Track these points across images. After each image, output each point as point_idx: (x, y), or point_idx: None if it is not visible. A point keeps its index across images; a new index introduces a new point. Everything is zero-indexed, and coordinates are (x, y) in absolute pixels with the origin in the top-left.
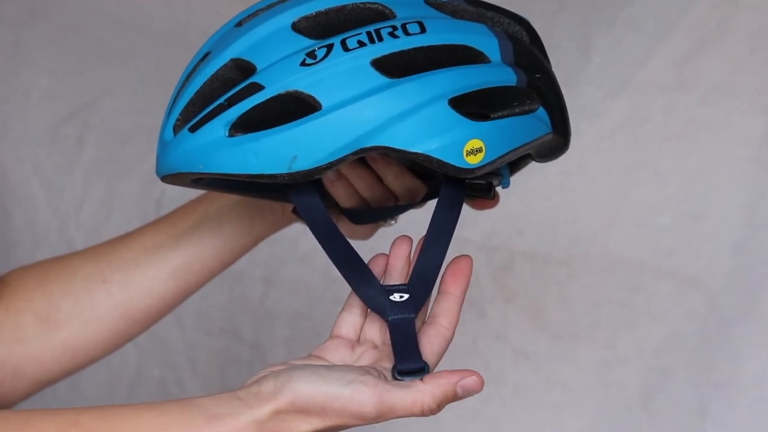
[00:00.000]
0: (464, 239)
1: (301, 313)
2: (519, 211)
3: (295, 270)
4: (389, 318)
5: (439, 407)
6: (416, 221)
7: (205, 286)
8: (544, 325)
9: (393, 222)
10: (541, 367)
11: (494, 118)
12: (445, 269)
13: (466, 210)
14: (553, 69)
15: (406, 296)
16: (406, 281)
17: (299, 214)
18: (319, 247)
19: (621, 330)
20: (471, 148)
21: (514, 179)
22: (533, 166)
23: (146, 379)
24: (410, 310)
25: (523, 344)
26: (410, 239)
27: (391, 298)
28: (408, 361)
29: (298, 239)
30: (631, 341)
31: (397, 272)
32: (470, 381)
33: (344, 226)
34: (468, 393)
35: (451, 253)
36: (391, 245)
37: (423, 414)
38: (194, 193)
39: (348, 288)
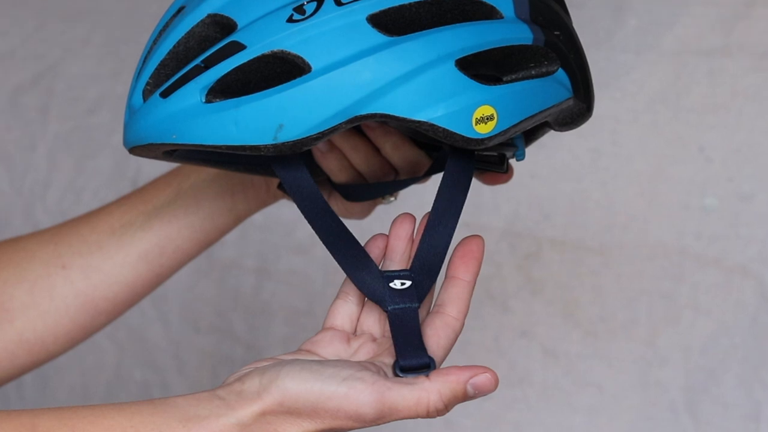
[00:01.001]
0: (484, 226)
1: (300, 309)
2: (545, 194)
3: (292, 260)
4: (389, 308)
5: (446, 407)
6: (419, 198)
7: (192, 276)
8: (575, 321)
9: (392, 199)
10: (573, 367)
11: (507, 82)
12: (453, 252)
13: (486, 194)
14: (580, 31)
15: (408, 283)
16: (408, 266)
17: (285, 189)
18: None
19: (662, 325)
20: (481, 115)
21: (540, 157)
22: (561, 143)
23: (126, 382)
24: (413, 299)
25: (552, 342)
26: (413, 218)
27: (392, 285)
28: (411, 355)
29: (295, 225)
30: (673, 338)
31: (397, 255)
32: (482, 378)
33: (337, 204)
34: (480, 392)
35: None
36: (391, 225)
37: (429, 415)
38: (170, 168)
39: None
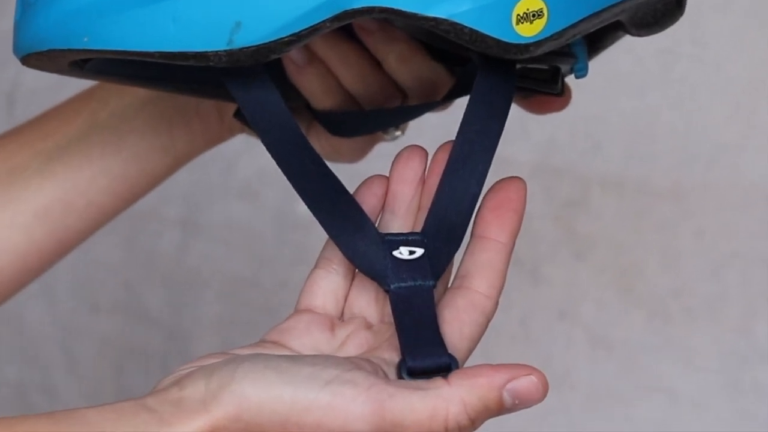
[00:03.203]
0: (506, 159)
1: (242, 278)
2: (596, 114)
3: (232, 208)
4: (392, 286)
5: (473, 423)
6: (437, 132)
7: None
8: (636, 296)
9: (398, 134)
10: (632, 363)
11: None
12: (483, 201)
13: (513, 116)
14: None
15: (419, 251)
16: (420, 226)
17: (245, 119)
18: (273, 171)
19: (761, 303)
20: (525, 10)
21: (593, 64)
22: (619, 41)
23: None
24: (426, 274)
25: (602, 326)
26: (424, 153)
27: (396, 254)
28: (423, 353)
29: (237, 158)
30: None
31: (402, 208)
32: (525, 383)
33: (320, 141)
34: (522, 401)
35: (489, 180)
36: (393, 163)
37: (447, 431)
38: (80, 88)
39: (322, 236)
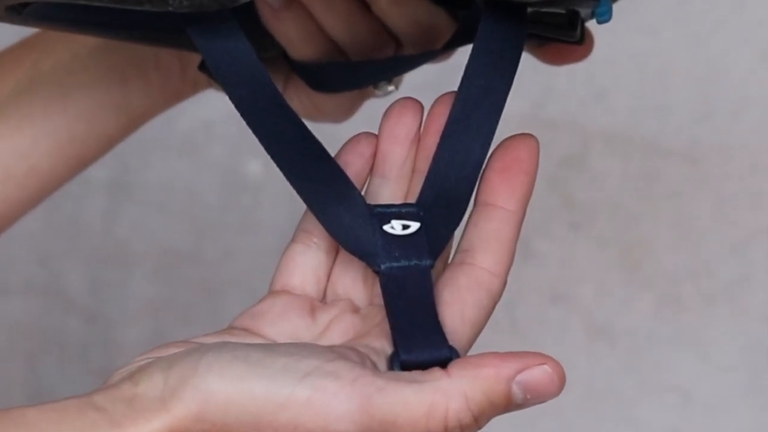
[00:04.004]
0: None
1: (179, 252)
2: (598, 55)
3: (170, 168)
4: (382, 267)
5: (477, 420)
6: (437, 87)
7: None
8: (644, 276)
9: (391, 88)
10: (639, 358)
11: None
12: (489, 161)
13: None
14: None
15: (414, 226)
16: (415, 195)
17: (211, 72)
18: (220, 123)
19: None
20: None
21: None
22: None
23: None
24: (422, 253)
25: (605, 312)
26: (419, 107)
27: (386, 228)
28: (419, 344)
29: (177, 110)
30: None
31: (393, 172)
32: (538, 374)
33: (299, 97)
34: (534, 396)
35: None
36: (382, 118)
37: (447, 430)
38: (20, 36)
39: (276, 200)
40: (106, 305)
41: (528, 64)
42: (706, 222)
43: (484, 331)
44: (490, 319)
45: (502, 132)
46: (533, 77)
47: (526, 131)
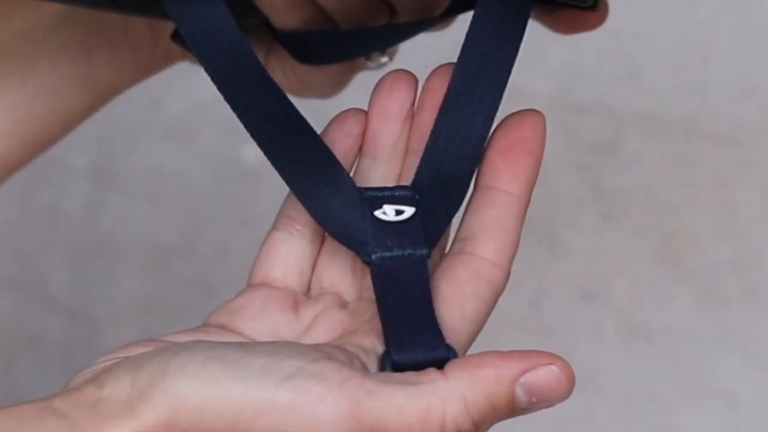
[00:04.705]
0: (518, 90)
1: (170, 245)
2: (632, 30)
3: (159, 154)
4: (373, 256)
5: (477, 427)
6: (434, 58)
7: None
8: (683, 270)
9: (385, 60)
10: (678, 359)
11: None
12: (491, 140)
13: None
14: None
15: (408, 211)
16: (409, 177)
17: (185, 42)
18: (213, 105)
19: None
20: None
21: None
22: None
23: None
24: (418, 240)
25: (640, 310)
26: (414, 79)
27: (378, 214)
28: (413, 342)
29: (165, 91)
30: None
31: (384, 151)
32: (545, 375)
33: (283, 70)
34: (540, 399)
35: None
36: (372, 92)
37: None
38: None
39: (277, 188)
40: (90, 303)
41: (554, 40)
42: (750, 210)
43: (509, 330)
44: (515, 318)
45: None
46: (559, 55)
47: (552, 116)
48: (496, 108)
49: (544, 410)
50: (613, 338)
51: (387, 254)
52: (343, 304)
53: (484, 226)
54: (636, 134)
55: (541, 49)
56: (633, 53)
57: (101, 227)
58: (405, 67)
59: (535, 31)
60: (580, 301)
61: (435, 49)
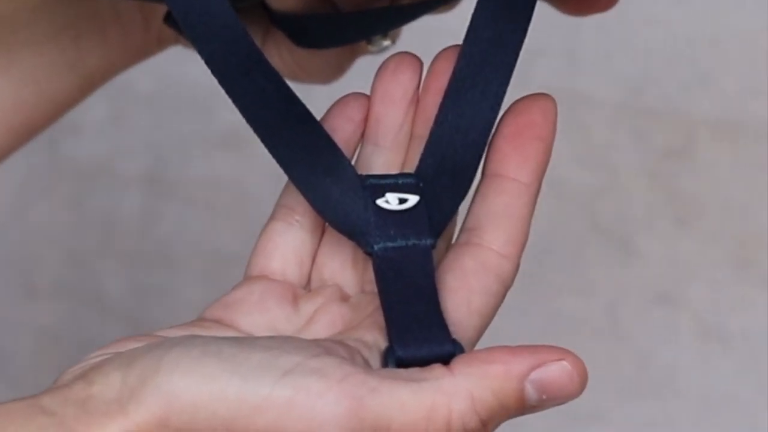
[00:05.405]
0: (581, 95)
1: (229, 253)
2: (703, 34)
3: (214, 162)
4: (376, 247)
5: (485, 425)
6: (437, 41)
7: (22, 191)
8: (761, 274)
9: (387, 43)
10: (756, 361)
11: None
12: (499, 125)
13: (588, 37)
14: None
15: (412, 199)
16: (413, 164)
17: (178, 25)
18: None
19: None
20: None
21: None
22: None
23: None
24: (422, 230)
25: (716, 313)
26: (418, 62)
27: (380, 202)
28: (417, 337)
29: (218, 97)
30: None
31: (388, 139)
32: (556, 371)
33: (281, 54)
34: (552, 397)
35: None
36: (375, 76)
37: None
38: None
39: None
40: (148, 311)
41: (621, 45)
42: None
43: (584, 336)
44: (590, 324)
45: (588, 121)
46: (628, 60)
47: (622, 122)
48: (504, 92)
49: (622, 414)
50: (691, 342)
51: (390, 245)
52: (344, 298)
53: (492, 215)
54: (707, 139)
55: (608, 56)
56: (703, 58)
57: (158, 235)
58: (409, 48)
59: (598, 41)
60: (656, 305)
61: (439, 32)
